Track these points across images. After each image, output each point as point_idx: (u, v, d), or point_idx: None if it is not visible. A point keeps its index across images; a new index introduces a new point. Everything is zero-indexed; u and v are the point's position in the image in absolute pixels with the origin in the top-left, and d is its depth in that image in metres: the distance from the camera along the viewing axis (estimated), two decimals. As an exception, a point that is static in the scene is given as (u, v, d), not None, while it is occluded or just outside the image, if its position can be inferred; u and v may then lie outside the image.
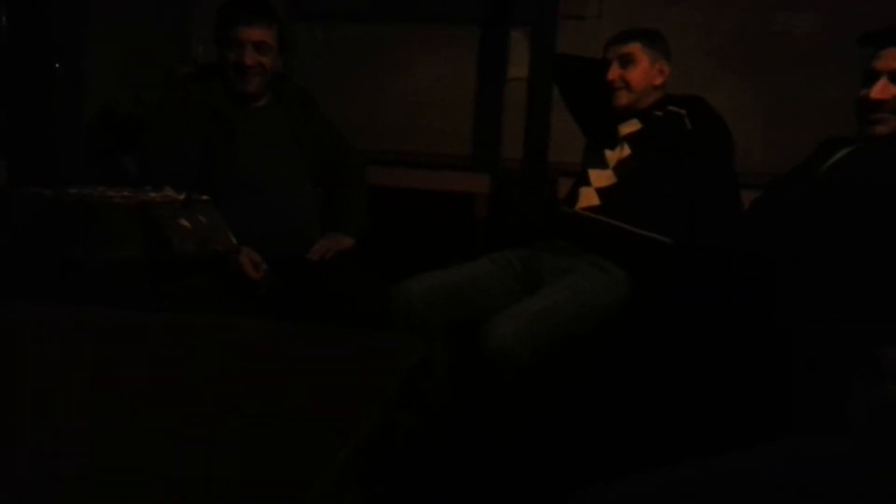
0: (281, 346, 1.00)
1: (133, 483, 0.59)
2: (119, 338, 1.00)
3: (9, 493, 0.56)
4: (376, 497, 1.60)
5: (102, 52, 2.53)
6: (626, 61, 2.01)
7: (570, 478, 1.32)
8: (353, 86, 2.88)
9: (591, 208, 1.97)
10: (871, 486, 0.86)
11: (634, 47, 2.01)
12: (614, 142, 2.04)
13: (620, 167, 1.99)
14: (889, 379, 0.82)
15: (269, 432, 0.70)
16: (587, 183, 2.02)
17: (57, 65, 2.35)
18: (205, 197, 1.71)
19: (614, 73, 2.01)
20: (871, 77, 1.54)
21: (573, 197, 2.03)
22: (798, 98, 2.52)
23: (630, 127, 2.03)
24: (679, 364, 1.36)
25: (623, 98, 2.02)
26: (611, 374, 1.46)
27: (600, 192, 1.98)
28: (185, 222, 1.63)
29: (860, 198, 1.43)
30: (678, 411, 1.32)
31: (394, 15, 2.86)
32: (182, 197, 1.66)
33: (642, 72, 2.01)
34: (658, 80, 2.04)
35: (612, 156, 2.03)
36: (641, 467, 0.94)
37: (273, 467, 0.62)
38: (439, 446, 1.80)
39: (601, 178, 2.01)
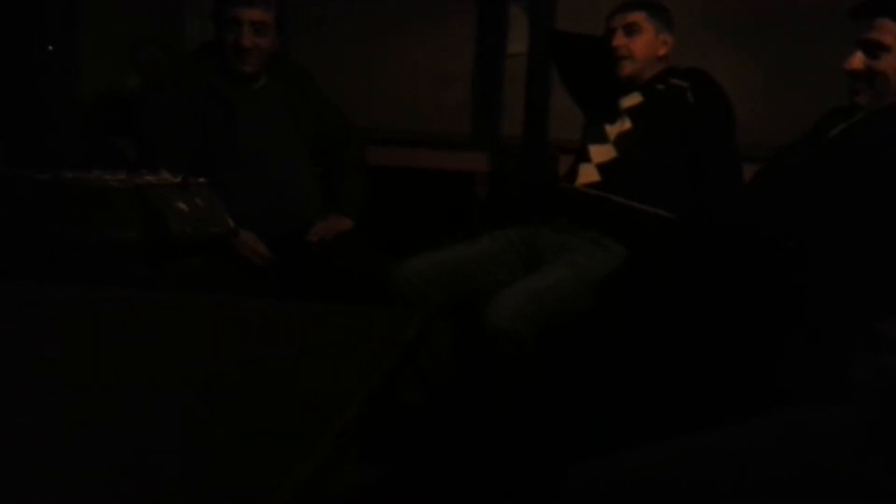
0: (277, 322, 1.01)
1: (132, 452, 0.60)
2: (117, 317, 1.00)
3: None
4: (378, 470, 1.62)
5: (96, 33, 2.51)
6: (631, 30, 1.99)
7: (570, 452, 1.32)
8: (349, 62, 2.85)
9: (591, 184, 1.96)
10: (870, 456, 0.85)
11: (639, 16, 1.99)
12: (615, 116, 2.02)
13: (621, 141, 1.97)
14: (888, 351, 0.81)
15: (264, 405, 0.71)
16: (587, 159, 2.01)
17: (50, 47, 2.33)
18: (201, 179, 1.70)
19: (619, 40, 1.98)
20: (854, 49, 1.58)
21: (573, 173, 2.02)
22: (800, 69, 2.49)
23: (632, 100, 2.01)
24: (678, 338, 1.36)
25: (627, 67, 1.99)
26: (609, 349, 1.46)
27: (600, 167, 1.97)
28: (182, 205, 1.63)
29: (862, 168, 1.43)
30: (677, 385, 1.32)
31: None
32: (179, 180, 1.65)
33: (647, 41, 1.99)
34: (662, 51, 2.02)
35: (612, 130, 2.01)
36: (640, 441, 0.94)
37: (269, 439, 0.63)
38: (440, 422, 1.81)
39: (601, 153, 1.99)
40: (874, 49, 1.54)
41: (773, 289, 1.34)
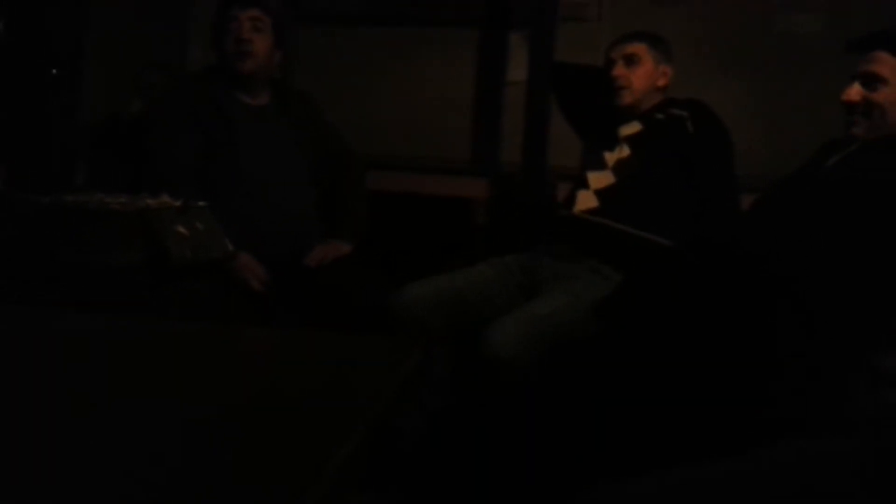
0: (277, 350, 1.00)
1: (127, 483, 0.59)
2: (116, 344, 0.99)
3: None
4: (379, 499, 1.60)
5: (101, 57, 2.53)
6: (631, 61, 2.02)
7: (571, 480, 1.31)
8: (351, 88, 2.87)
9: (589, 210, 1.97)
10: (871, 489, 0.85)
11: (640, 47, 2.02)
12: (614, 143, 2.04)
13: (620, 167, 1.99)
14: (887, 384, 0.81)
15: (264, 436, 0.70)
16: (585, 185, 2.02)
17: (54, 70, 2.35)
18: (202, 203, 1.70)
19: (619, 70, 2.02)
20: (851, 81, 1.61)
21: (571, 200, 2.03)
22: (798, 100, 2.51)
23: (631, 129, 2.03)
24: (677, 365, 1.35)
25: (627, 97, 2.02)
26: (609, 376, 1.45)
27: (599, 193, 1.98)
28: (181, 229, 1.63)
29: (859, 199, 1.44)
30: (677, 413, 1.31)
31: (392, 17, 2.86)
32: (179, 203, 1.66)
33: (646, 72, 2.02)
34: (661, 82, 2.05)
35: (610, 157, 2.03)
36: (641, 470, 0.94)
37: (269, 470, 0.62)
38: (441, 450, 1.79)
39: (600, 179, 2.01)
40: (872, 81, 1.57)
41: (771, 319, 1.34)
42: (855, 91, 1.58)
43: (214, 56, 2.12)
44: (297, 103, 2.18)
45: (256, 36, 2.02)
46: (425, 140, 2.85)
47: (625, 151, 2.01)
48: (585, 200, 1.99)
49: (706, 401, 1.30)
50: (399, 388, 0.84)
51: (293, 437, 0.70)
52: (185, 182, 1.87)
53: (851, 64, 1.65)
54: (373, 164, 2.48)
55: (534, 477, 1.48)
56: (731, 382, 1.30)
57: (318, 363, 0.92)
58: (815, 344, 1.26)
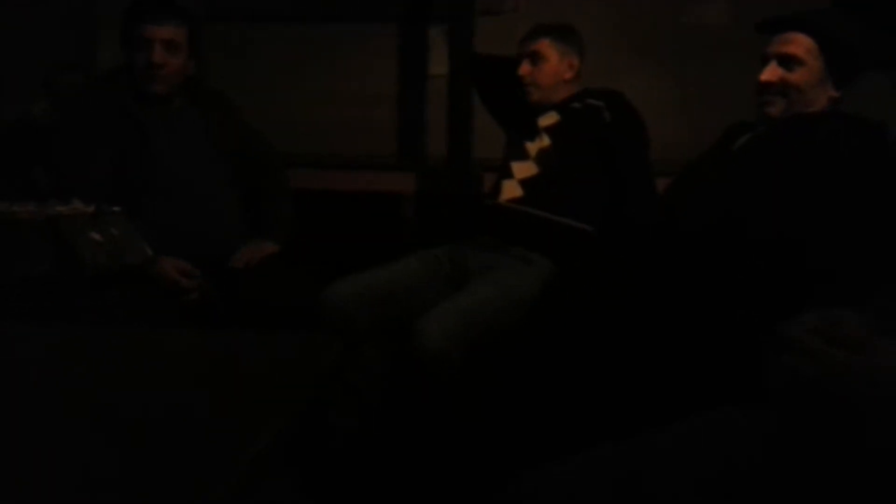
0: (196, 352, 0.99)
1: (58, 484, 0.61)
2: (31, 354, 0.97)
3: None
4: (310, 495, 1.59)
5: (4, 59, 2.42)
6: (535, 58, 2.07)
7: (504, 468, 1.33)
8: (272, 87, 2.83)
9: (514, 200, 2.00)
10: (788, 456, 0.89)
11: (543, 44, 2.06)
12: (534, 133, 2.07)
13: (541, 157, 2.03)
14: (786, 352, 0.85)
15: (183, 433, 0.72)
16: (510, 175, 2.05)
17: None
18: (116, 208, 1.65)
19: (524, 69, 2.07)
20: (763, 62, 1.63)
21: (496, 190, 2.06)
22: (711, 87, 2.60)
23: (549, 119, 2.07)
24: (603, 348, 1.38)
25: (534, 94, 2.08)
26: (538, 361, 1.48)
27: (523, 183, 2.02)
28: (95, 235, 1.58)
29: (771, 173, 1.49)
30: (606, 394, 1.34)
31: (310, 14, 2.83)
32: (91, 209, 1.60)
33: (550, 68, 2.07)
34: (568, 75, 2.10)
35: (532, 147, 2.06)
36: (573, 450, 0.96)
37: (187, 462, 0.65)
38: (374, 444, 1.79)
39: (523, 169, 2.04)
40: (788, 62, 1.59)
41: (691, 294, 1.38)
42: (772, 71, 1.59)
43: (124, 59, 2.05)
44: (212, 104, 2.13)
45: (170, 59, 1.94)
46: (350, 136, 2.84)
47: (545, 141, 2.04)
48: (510, 190, 2.02)
49: (631, 378, 1.33)
50: (319, 385, 0.84)
51: (210, 432, 0.72)
52: (97, 187, 1.80)
53: (758, 52, 1.71)
54: (297, 161, 2.45)
55: (465, 467, 1.49)
56: (653, 358, 1.34)
57: (236, 362, 0.91)
58: (732, 317, 1.30)
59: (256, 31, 2.87)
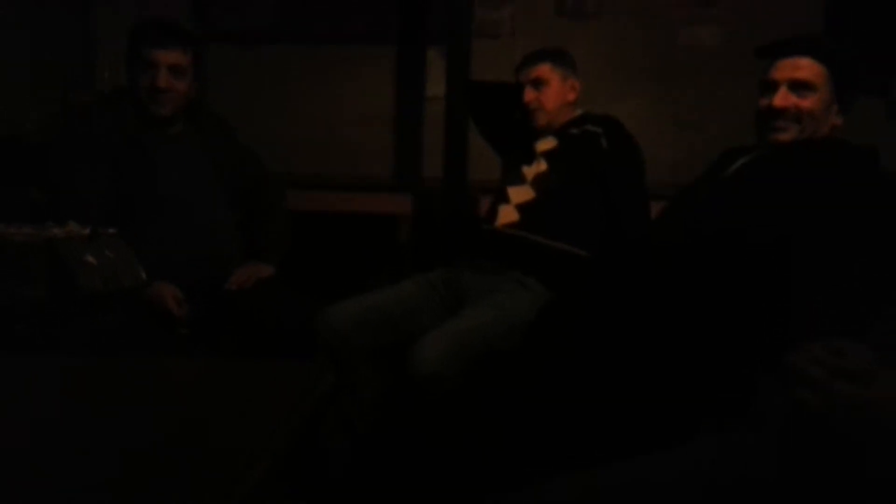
0: (190, 382, 0.99)
1: None
2: (25, 383, 0.96)
3: None
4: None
5: (5, 79, 2.42)
6: (539, 83, 2.08)
7: (497, 491, 1.32)
8: (269, 108, 2.84)
9: (510, 224, 2.00)
10: (778, 484, 0.89)
11: (544, 68, 2.08)
12: (531, 158, 2.08)
13: (538, 182, 2.03)
14: (793, 383, 0.85)
15: (177, 466, 0.72)
16: (506, 200, 2.05)
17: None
18: (112, 230, 1.65)
19: (530, 95, 2.09)
20: (770, 87, 1.59)
21: (493, 214, 2.06)
22: (703, 110, 2.63)
23: (547, 144, 2.08)
24: (597, 372, 1.38)
25: (541, 119, 2.09)
26: (533, 386, 1.47)
27: (519, 207, 2.02)
28: (90, 258, 1.58)
29: (761, 202, 1.49)
30: (599, 419, 1.34)
31: (308, 35, 2.84)
32: (87, 232, 1.60)
33: (555, 91, 2.09)
34: (571, 97, 2.12)
35: (529, 171, 2.07)
36: (563, 473, 0.95)
37: (178, 497, 0.65)
38: (368, 469, 1.78)
39: (520, 193, 2.04)
40: (800, 88, 1.56)
41: (685, 317, 1.38)
42: (784, 97, 1.55)
43: (124, 76, 2.05)
44: (212, 126, 2.14)
45: (175, 82, 1.94)
46: (346, 158, 2.84)
47: (542, 166, 2.05)
48: (507, 215, 2.03)
49: (629, 402, 1.33)
50: (313, 413, 0.84)
51: (206, 463, 0.71)
52: (94, 210, 1.80)
53: (749, 74, 1.71)
54: (294, 183, 2.45)
55: (458, 490, 1.48)
56: (651, 383, 1.33)
57: (230, 392, 0.91)
58: (729, 343, 1.30)
59: (254, 53, 2.88)
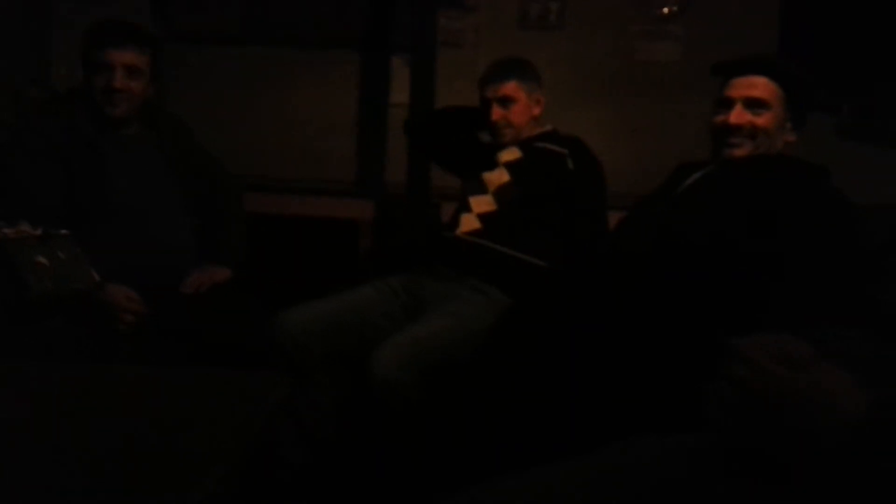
0: (141, 391, 0.97)
1: None
2: None
3: None
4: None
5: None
6: (506, 101, 2.09)
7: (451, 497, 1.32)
8: (230, 110, 2.81)
9: (472, 232, 2.01)
10: (719, 484, 0.90)
11: (511, 86, 2.09)
12: (492, 165, 2.10)
13: (500, 193, 2.05)
14: (735, 363, 0.86)
15: (128, 473, 0.71)
16: (468, 209, 2.07)
17: None
18: (64, 231, 1.61)
19: (497, 113, 2.09)
20: (725, 104, 1.64)
21: (455, 222, 2.07)
22: (659, 122, 2.68)
23: (510, 154, 2.10)
24: (553, 378, 1.40)
25: (508, 135, 2.11)
26: (490, 392, 1.48)
27: (481, 217, 2.04)
28: (42, 259, 1.54)
29: (716, 215, 1.53)
30: (555, 424, 1.35)
31: (270, 38, 2.83)
32: (39, 232, 1.57)
33: (522, 107, 2.11)
34: (536, 111, 2.15)
35: (490, 179, 2.09)
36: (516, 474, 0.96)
37: None
38: (325, 477, 1.77)
39: (481, 203, 2.07)
40: (755, 106, 1.61)
41: (639, 324, 1.40)
42: (740, 115, 1.60)
43: (80, 76, 2.01)
44: (169, 129, 2.10)
45: (131, 83, 1.91)
46: (308, 162, 2.83)
47: (504, 176, 2.07)
48: (468, 223, 2.04)
49: (584, 407, 1.34)
50: (266, 422, 0.83)
51: (160, 471, 0.71)
52: (46, 210, 1.76)
53: (706, 90, 1.75)
54: (255, 186, 2.43)
55: (415, 497, 1.48)
56: (601, 387, 1.35)
57: (185, 400, 0.90)
58: (676, 350, 1.33)
59: (215, 54, 2.85)
